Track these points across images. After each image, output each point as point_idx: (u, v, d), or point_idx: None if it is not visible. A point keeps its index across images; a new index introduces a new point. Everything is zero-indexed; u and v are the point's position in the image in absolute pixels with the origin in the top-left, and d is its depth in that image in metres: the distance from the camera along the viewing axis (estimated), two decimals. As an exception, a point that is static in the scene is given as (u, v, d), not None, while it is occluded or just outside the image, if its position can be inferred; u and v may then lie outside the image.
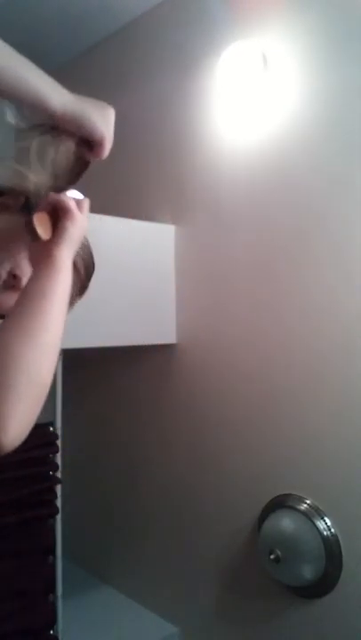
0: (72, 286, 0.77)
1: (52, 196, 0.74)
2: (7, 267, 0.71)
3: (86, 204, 0.77)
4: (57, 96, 0.73)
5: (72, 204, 0.73)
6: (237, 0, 1.63)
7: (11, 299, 0.72)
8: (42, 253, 0.70)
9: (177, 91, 1.82)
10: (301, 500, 1.41)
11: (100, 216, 1.59)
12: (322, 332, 1.40)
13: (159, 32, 1.92)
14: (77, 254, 0.78)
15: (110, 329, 1.61)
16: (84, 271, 0.82)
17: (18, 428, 0.57)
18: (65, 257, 0.70)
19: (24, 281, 0.72)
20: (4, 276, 0.71)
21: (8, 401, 0.56)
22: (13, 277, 0.72)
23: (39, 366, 0.61)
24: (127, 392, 1.96)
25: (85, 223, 0.75)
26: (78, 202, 0.76)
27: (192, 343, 1.75)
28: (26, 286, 0.68)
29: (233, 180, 1.63)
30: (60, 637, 1.53)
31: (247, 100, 1.59)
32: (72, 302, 0.82)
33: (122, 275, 1.62)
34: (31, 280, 0.69)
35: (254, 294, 1.57)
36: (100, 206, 1.83)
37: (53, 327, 0.65)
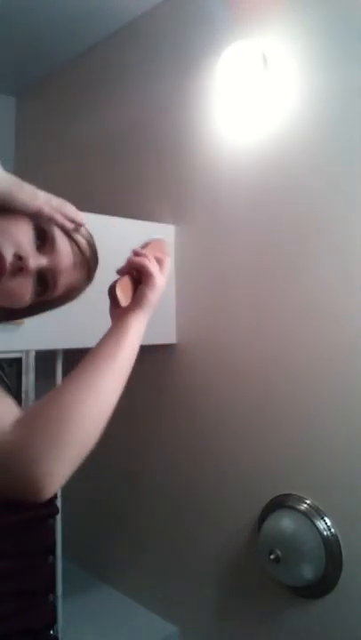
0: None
1: (137, 259, 0.76)
2: (11, 250, 0.69)
3: (167, 263, 0.79)
4: None
5: (155, 270, 0.75)
6: (237, 0, 1.63)
7: (20, 285, 0.71)
8: (117, 316, 0.74)
9: (177, 91, 1.82)
10: (301, 500, 1.41)
11: (100, 216, 1.59)
12: (322, 331, 1.40)
13: (159, 32, 1.92)
14: (85, 246, 0.78)
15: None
16: (93, 264, 0.81)
17: (57, 485, 0.61)
18: (139, 325, 0.74)
19: (30, 262, 0.70)
20: (10, 259, 0.69)
21: (56, 461, 0.60)
22: (19, 259, 0.70)
23: (92, 429, 0.65)
24: (127, 392, 1.96)
25: (164, 283, 0.77)
26: (159, 260, 0.77)
27: (192, 343, 1.75)
28: (96, 346, 0.71)
29: (233, 180, 1.63)
30: (60, 637, 1.53)
31: (247, 99, 1.59)
32: (77, 295, 0.82)
33: (122, 275, 1.62)
34: (101, 341, 0.72)
35: (254, 294, 1.57)
36: (100, 206, 1.83)
37: (116, 389, 0.69)
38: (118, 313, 0.75)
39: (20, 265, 0.70)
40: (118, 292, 0.74)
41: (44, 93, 2.53)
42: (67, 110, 2.37)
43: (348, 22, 1.39)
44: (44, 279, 0.74)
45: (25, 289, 0.72)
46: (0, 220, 0.70)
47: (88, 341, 1.68)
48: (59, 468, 0.60)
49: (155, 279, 0.75)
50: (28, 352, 1.49)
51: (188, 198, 1.78)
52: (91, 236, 0.82)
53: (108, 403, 0.68)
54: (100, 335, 1.73)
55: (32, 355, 1.49)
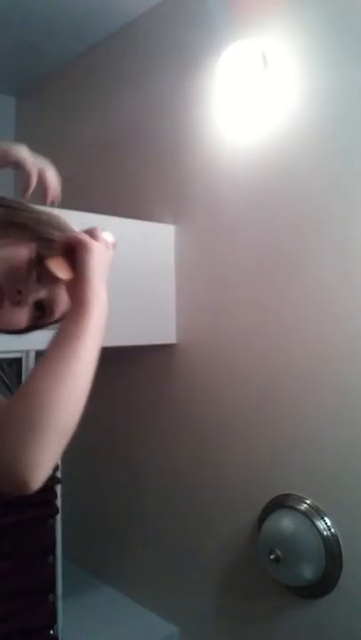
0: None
1: (62, 238, 0.74)
2: (8, 285, 0.70)
3: (98, 231, 0.77)
4: None
5: (82, 236, 0.74)
6: (237, 0, 1.63)
7: (18, 315, 0.72)
8: (73, 292, 0.71)
9: (177, 91, 1.82)
10: (301, 500, 1.41)
11: (100, 216, 1.60)
12: (322, 331, 1.40)
13: (159, 32, 1.92)
14: None
15: (110, 329, 1.60)
16: None
17: (43, 475, 0.59)
18: (94, 291, 0.70)
19: (30, 297, 0.72)
20: (9, 292, 0.70)
21: (37, 452, 0.58)
22: (18, 293, 0.70)
23: (68, 414, 0.62)
24: (127, 392, 1.96)
25: (104, 248, 0.75)
26: (90, 231, 0.76)
27: (192, 343, 1.75)
28: (60, 326, 0.68)
29: (233, 180, 1.63)
30: (60, 637, 1.53)
31: (247, 99, 1.59)
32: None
33: (122, 275, 1.62)
34: (65, 320, 0.69)
35: (254, 294, 1.57)
36: (100, 206, 1.83)
37: (86, 370, 0.65)
38: (72, 288, 0.72)
39: (18, 299, 0.70)
40: (51, 266, 0.70)
41: (44, 93, 2.53)
42: (67, 110, 2.37)
43: (348, 22, 1.39)
44: (42, 307, 0.75)
45: (22, 318, 0.73)
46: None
47: (88, 341, 1.67)
48: (41, 458, 0.59)
49: (85, 242, 0.72)
50: (27, 352, 1.49)
51: (188, 198, 1.78)
52: None
53: (84, 383, 0.65)
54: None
55: (32, 355, 1.49)
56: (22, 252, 0.72)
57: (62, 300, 0.76)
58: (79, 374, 0.64)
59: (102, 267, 0.73)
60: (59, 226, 0.78)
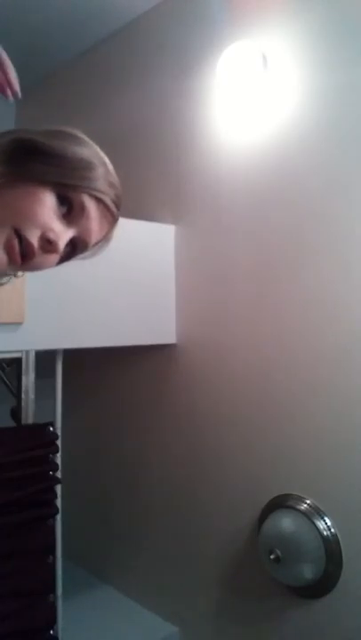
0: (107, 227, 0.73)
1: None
2: (36, 233, 0.64)
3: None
4: None
5: None
6: (237, 0, 1.63)
7: (48, 260, 0.68)
8: None
9: (177, 91, 1.82)
10: (301, 500, 1.41)
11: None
12: (322, 331, 1.40)
13: (159, 32, 1.92)
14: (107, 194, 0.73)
15: (110, 329, 1.60)
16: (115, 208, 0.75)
17: None
18: None
19: (60, 244, 0.66)
20: (36, 243, 0.64)
21: None
22: (48, 243, 0.64)
23: None
24: (127, 392, 1.96)
25: None
26: None
27: (192, 343, 1.75)
28: None
29: (233, 180, 1.63)
30: (60, 637, 1.53)
31: (247, 99, 1.59)
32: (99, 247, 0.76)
33: (122, 274, 1.63)
34: None
35: (254, 294, 1.57)
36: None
37: None
38: None
39: (49, 249, 0.65)
40: None
41: (44, 93, 2.53)
42: (67, 110, 2.37)
43: (348, 22, 1.39)
44: (74, 244, 0.70)
45: (54, 260, 0.69)
46: (15, 196, 0.64)
47: (88, 341, 1.68)
48: None
49: None
50: (28, 352, 1.49)
51: (188, 198, 1.78)
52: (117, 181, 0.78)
53: None
54: (99, 335, 1.73)
55: (32, 355, 1.49)
56: (42, 194, 0.65)
57: (94, 230, 0.71)
58: None
59: None
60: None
